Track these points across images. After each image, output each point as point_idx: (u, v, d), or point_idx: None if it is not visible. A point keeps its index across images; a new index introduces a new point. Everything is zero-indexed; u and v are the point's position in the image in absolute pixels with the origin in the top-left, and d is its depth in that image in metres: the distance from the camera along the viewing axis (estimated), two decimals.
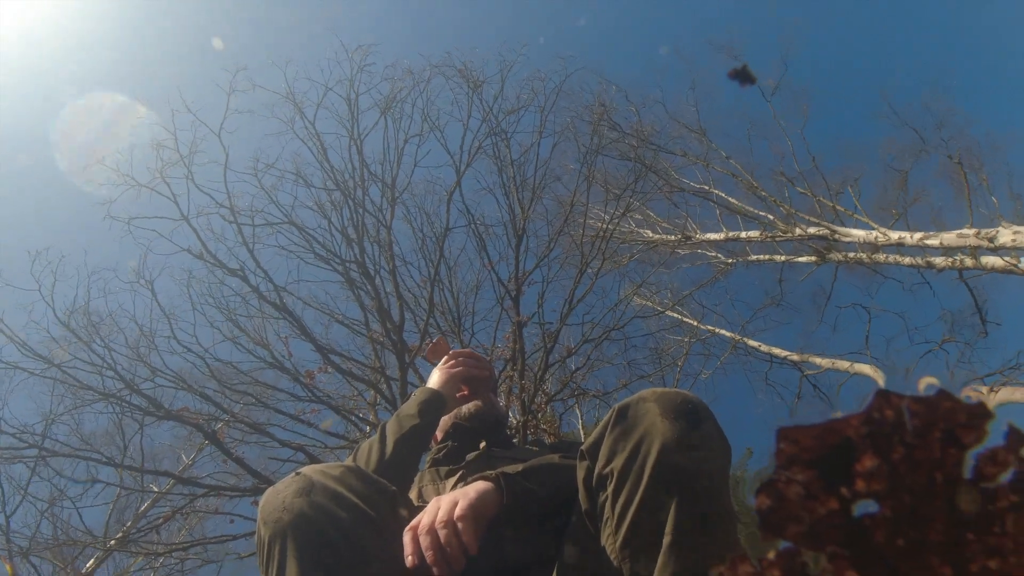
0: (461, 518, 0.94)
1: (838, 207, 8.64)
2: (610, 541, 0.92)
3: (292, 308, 5.49)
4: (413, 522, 0.97)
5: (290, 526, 0.90)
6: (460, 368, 1.54)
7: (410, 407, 1.41)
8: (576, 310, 5.90)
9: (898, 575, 0.27)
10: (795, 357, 9.10)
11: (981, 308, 7.08)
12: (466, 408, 1.58)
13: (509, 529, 1.04)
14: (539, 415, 5.38)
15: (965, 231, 6.61)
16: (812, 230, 8.52)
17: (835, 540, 0.28)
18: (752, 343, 9.19)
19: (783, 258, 9.43)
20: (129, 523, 5.99)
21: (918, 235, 7.26)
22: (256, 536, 0.96)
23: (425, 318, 5.61)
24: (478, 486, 1.03)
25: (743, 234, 9.47)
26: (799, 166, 8.88)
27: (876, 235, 7.79)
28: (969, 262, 6.69)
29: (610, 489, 0.94)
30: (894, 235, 7.62)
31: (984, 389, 6.09)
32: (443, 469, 1.41)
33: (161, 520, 5.22)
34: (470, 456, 1.40)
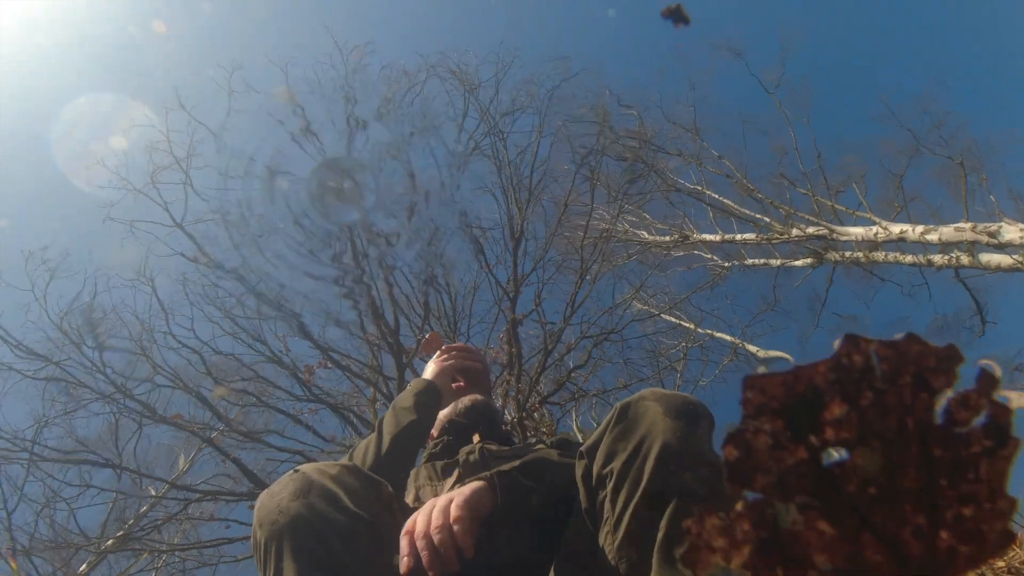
0: (456, 520, 0.93)
1: (837, 206, 8.65)
2: (608, 540, 0.91)
3: (290, 307, 5.48)
4: (408, 524, 0.96)
5: (286, 529, 0.89)
6: (454, 360, 1.55)
7: (406, 399, 1.41)
8: (578, 312, 5.90)
9: (870, 524, 0.27)
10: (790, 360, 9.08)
11: (981, 309, 7.08)
12: (462, 402, 1.58)
13: (505, 529, 1.03)
14: (535, 415, 5.37)
15: (962, 224, 6.61)
16: (811, 230, 8.52)
17: (805, 490, 0.27)
18: (751, 348, 9.17)
19: (778, 262, 9.41)
20: (131, 522, 5.95)
21: (920, 228, 7.21)
22: (252, 539, 0.96)
23: (420, 323, 5.61)
24: (472, 485, 1.03)
25: (738, 236, 9.47)
26: (802, 165, 8.90)
27: (876, 230, 7.77)
28: (966, 260, 6.67)
29: (609, 487, 0.93)
30: (896, 228, 7.57)
31: None
32: (439, 465, 1.40)
33: (161, 522, 5.19)
34: (465, 449, 1.40)
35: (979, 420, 0.26)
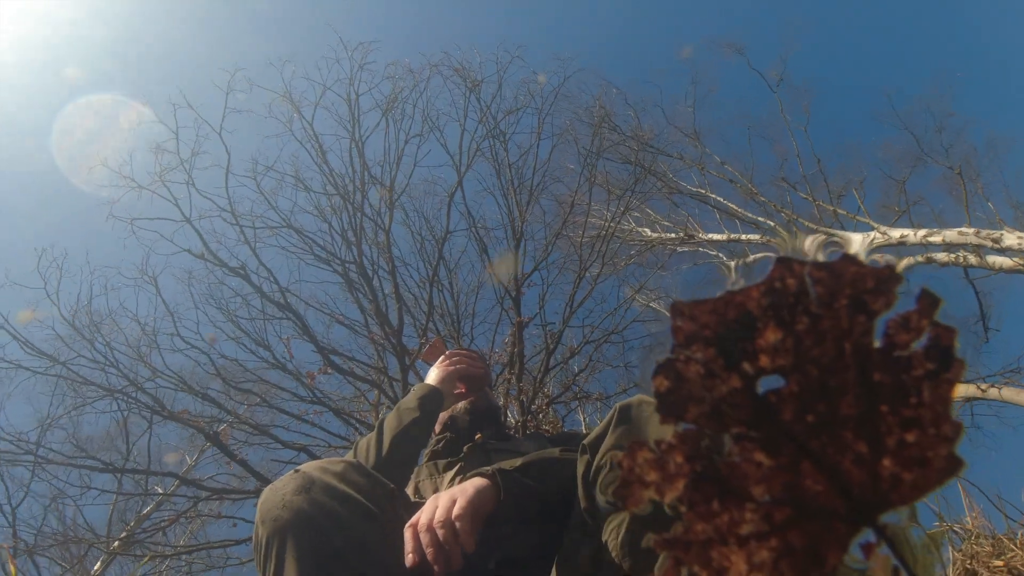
0: (459, 517, 0.93)
1: (839, 210, 8.60)
2: (612, 537, 0.89)
3: (294, 307, 5.49)
4: (412, 520, 0.96)
5: (289, 524, 0.89)
6: (457, 365, 1.58)
7: (410, 401, 1.42)
8: (576, 313, 5.88)
9: (809, 453, 0.26)
10: None
11: (985, 314, 7.02)
12: (461, 404, 1.61)
13: (508, 526, 1.03)
14: (540, 416, 5.34)
15: (965, 229, 6.61)
16: (821, 237, 8.47)
17: (740, 420, 0.26)
18: None
19: None
20: (132, 524, 5.97)
21: (922, 232, 7.22)
22: (254, 535, 0.95)
23: (424, 321, 5.60)
24: (476, 483, 1.02)
25: (743, 236, 9.43)
26: (802, 169, 8.87)
27: (875, 236, 7.73)
28: (973, 259, 6.63)
29: None
30: (895, 233, 7.56)
31: (985, 387, 6.01)
32: (441, 462, 1.40)
33: (166, 523, 5.20)
34: (467, 447, 1.40)
35: (921, 342, 0.25)
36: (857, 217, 8.39)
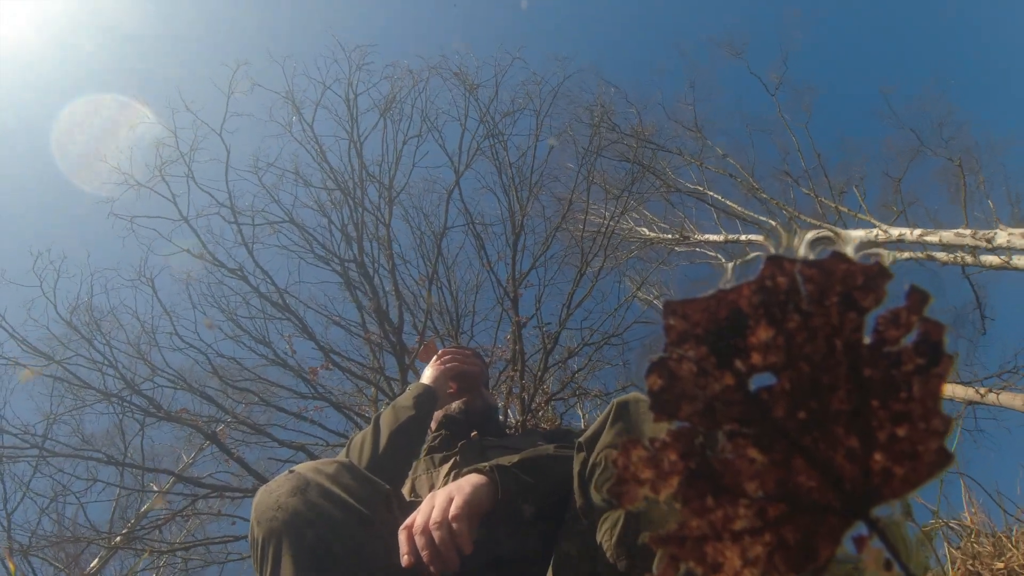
0: (456, 518, 0.92)
1: (841, 207, 8.62)
2: (606, 537, 0.89)
3: (293, 308, 5.50)
4: (408, 521, 0.95)
5: (284, 525, 0.89)
6: (450, 364, 1.59)
7: (406, 399, 1.43)
8: (576, 313, 5.89)
9: (801, 449, 0.26)
10: None
11: (981, 304, 7.06)
12: (455, 404, 1.61)
13: (504, 526, 1.03)
14: (539, 414, 5.35)
15: (962, 231, 6.67)
16: (812, 234, 8.49)
17: (733, 417, 0.26)
18: None
19: None
20: (132, 521, 5.97)
21: (917, 231, 7.33)
22: (249, 536, 0.94)
23: (424, 319, 5.61)
24: (472, 479, 1.01)
25: (743, 237, 9.42)
26: (804, 163, 8.88)
27: (877, 232, 7.78)
28: (969, 259, 6.68)
29: None
30: (895, 231, 7.64)
31: (984, 391, 6.04)
32: (437, 456, 1.40)
33: (163, 520, 5.21)
34: (462, 444, 1.40)
35: (910, 338, 0.25)
36: (859, 215, 8.40)
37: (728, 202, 9.46)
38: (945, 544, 1.90)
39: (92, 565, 5.43)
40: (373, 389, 5.66)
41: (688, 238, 9.44)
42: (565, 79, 6.44)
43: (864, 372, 0.25)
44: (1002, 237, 6.29)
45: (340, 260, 5.83)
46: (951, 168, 7.53)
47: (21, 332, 4.82)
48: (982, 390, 6.02)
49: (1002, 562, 1.73)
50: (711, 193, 9.46)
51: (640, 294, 7.25)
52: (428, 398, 1.45)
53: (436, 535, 0.90)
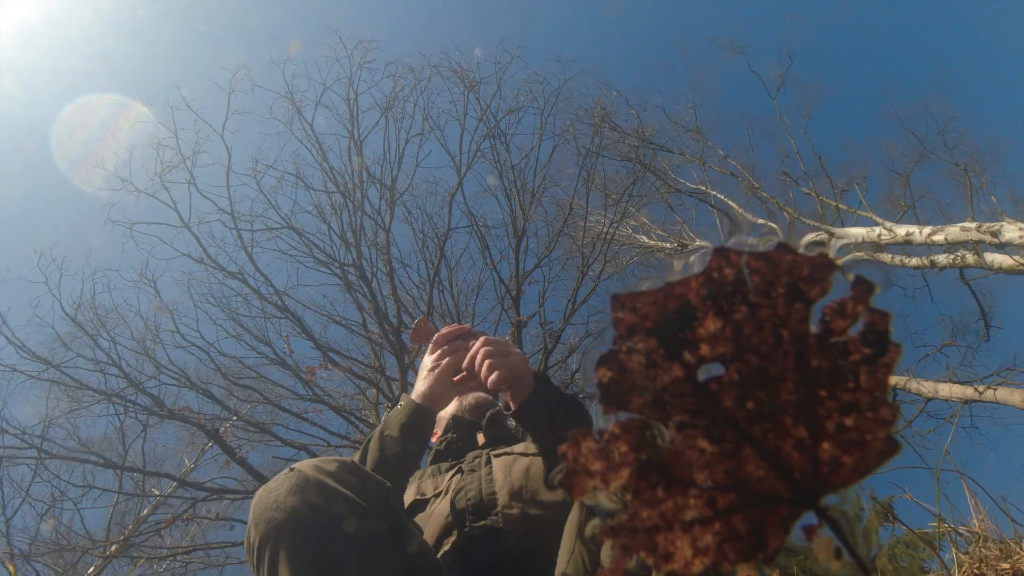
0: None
1: (841, 205, 8.58)
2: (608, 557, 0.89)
3: (292, 309, 5.51)
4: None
5: (283, 525, 0.87)
6: (448, 363, 1.34)
7: (393, 425, 1.26)
8: (580, 312, 5.89)
9: (750, 439, 0.26)
10: None
11: (986, 313, 7.02)
12: (467, 399, 1.55)
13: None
14: None
15: (967, 224, 6.61)
16: (810, 236, 8.45)
17: (682, 408, 0.26)
18: None
19: None
20: (130, 527, 5.98)
21: (927, 229, 7.17)
22: (246, 539, 0.93)
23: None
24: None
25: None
26: (804, 165, 8.87)
27: (880, 232, 7.71)
28: (971, 259, 6.62)
29: None
30: (901, 230, 7.52)
31: (982, 388, 6.01)
32: (444, 464, 1.39)
33: (163, 524, 5.21)
34: (472, 454, 1.39)
35: (856, 328, 0.25)
36: (859, 212, 8.36)
37: (729, 202, 9.44)
38: (953, 549, 1.89)
39: (89, 572, 5.44)
40: (374, 390, 5.67)
41: (687, 246, 9.42)
42: (566, 81, 6.45)
43: (812, 362, 0.26)
44: (1010, 231, 6.20)
45: (340, 264, 5.85)
46: (956, 171, 7.53)
47: (26, 331, 4.85)
48: (980, 387, 5.98)
49: (1008, 564, 1.72)
50: (713, 192, 9.45)
51: None
52: (419, 426, 1.25)
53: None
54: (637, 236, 9.81)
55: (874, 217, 8.10)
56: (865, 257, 7.38)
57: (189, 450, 7.01)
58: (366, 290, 5.54)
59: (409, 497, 1.34)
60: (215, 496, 5.07)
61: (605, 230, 6.20)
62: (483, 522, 1.17)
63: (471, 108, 6.07)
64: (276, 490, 0.92)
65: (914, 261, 7.77)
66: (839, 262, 0.25)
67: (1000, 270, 6.46)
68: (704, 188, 9.55)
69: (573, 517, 1.01)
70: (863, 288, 0.25)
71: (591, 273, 6.10)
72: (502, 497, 1.21)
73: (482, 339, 1.26)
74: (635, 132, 8.70)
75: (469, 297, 6.58)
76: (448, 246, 6.13)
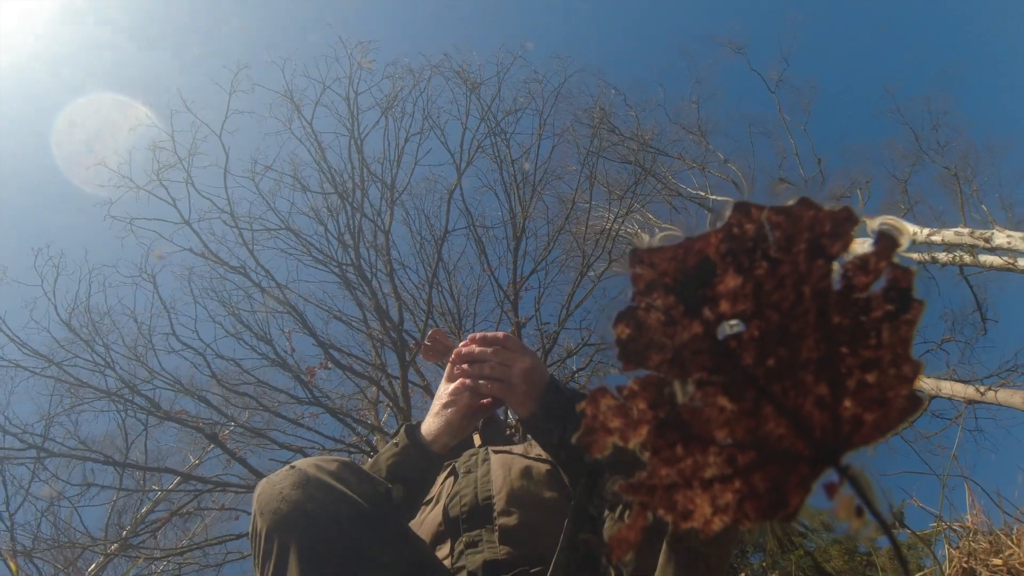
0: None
1: None
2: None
3: (294, 304, 5.50)
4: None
5: (289, 518, 0.87)
6: (467, 396, 1.10)
7: (381, 462, 1.13)
8: (576, 314, 5.90)
9: (770, 397, 0.26)
10: None
11: (981, 305, 7.06)
12: None
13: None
14: None
15: (960, 229, 6.70)
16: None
17: (701, 366, 0.26)
18: None
19: None
20: (129, 527, 5.96)
21: (926, 231, 7.25)
22: (251, 527, 0.93)
23: (424, 319, 5.61)
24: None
25: None
26: (803, 172, 8.90)
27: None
28: (968, 258, 6.69)
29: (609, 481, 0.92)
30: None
31: (983, 389, 6.03)
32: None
33: (159, 523, 5.20)
34: (469, 451, 1.38)
35: (879, 284, 0.25)
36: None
37: None
38: (945, 544, 1.89)
39: (91, 569, 5.42)
40: (374, 389, 5.66)
41: None
42: (566, 79, 6.46)
43: (833, 319, 0.25)
44: (999, 238, 6.32)
45: (338, 264, 5.84)
46: (948, 178, 7.61)
47: (23, 333, 4.84)
48: (982, 388, 6.00)
49: (1000, 559, 1.71)
50: (713, 198, 9.47)
51: None
52: (419, 458, 1.11)
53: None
54: (643, 235, 9.79)
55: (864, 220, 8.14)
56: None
57: (193, 447, 7.01)
58: (366, 288, 5.54)
59: None
60: (219, 488, 5.06)
61: (609, 225, 6.20)
62: (477, 531, 1.13)
63: (472, 108, 6.09)
64: (280, 483, 0.92)
65: (916, 256, 7.81)
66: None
67: (992, 268, 6.55)
68: (705, 194, 9.57)
69: (568, 524, 1.01)
70: (886, 244, 0.25)
71: (591, 273, 6.11)
72: (499, 501, 1.18)
73: (491, 351, 1.08)
74: (634, 135, 8.72)
75: (469, 299, 6.59)
76: (446, 249, 6.14)
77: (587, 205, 6.59)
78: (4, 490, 4.64)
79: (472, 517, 1.16)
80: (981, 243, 6.44)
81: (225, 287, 5.65)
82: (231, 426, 5.38)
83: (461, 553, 1.11)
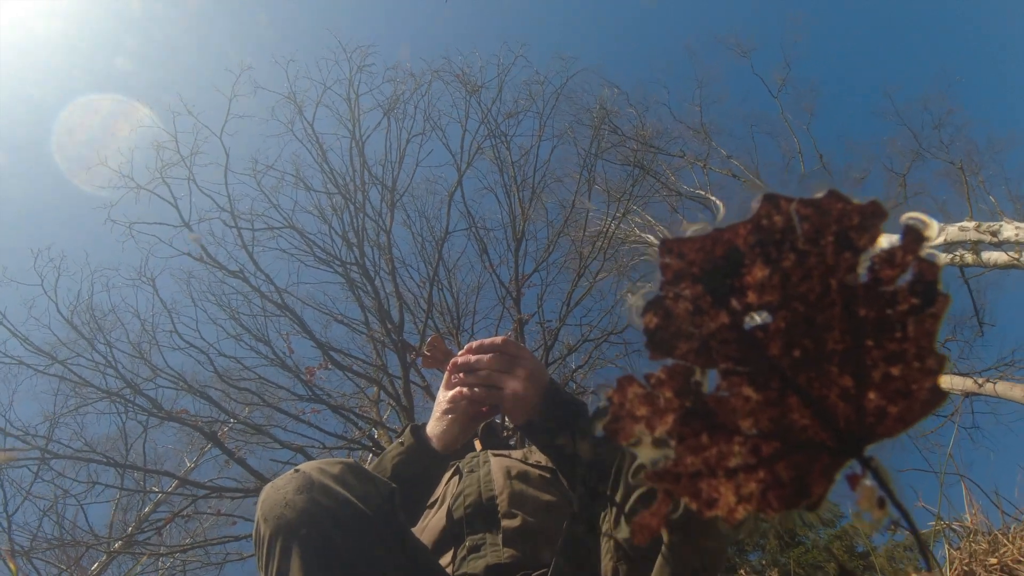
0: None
1: None
2: (607, 559, 0.89)
3: (292, 307, 5.50)
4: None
5: (293, 522, 0.88)
6: (466, 407, 1.12)
7: (385, 463, 1.14)
8: (576, 312, 5.91)
9: (795, 388, 0.26)
10: None
11: (979, 311, 7.08)
12: None
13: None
14: None
15: (966, 224, 6.67)
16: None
17: (728, 356, 0.26)
18: None
19: None
20: (133, 525, 5.97)
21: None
22: (255, 532, 0.93)
23: (424, 319, 5.61)
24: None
25: None
26: (804, 168, 8.91)
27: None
28: (970, 258, 6.68)
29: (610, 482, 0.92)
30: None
31: (982, 381, 6.03)
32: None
33: (163, 523, 5.20)
34: (470, 454, 1.38)
35: (905, 278, 0.25)
36: None
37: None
38: (946, 545, 1.89)
39: (93, 568, 5.42)
40: (375, 388, 5.66)
41: None
42: (568, 79, 6.47)
43: (859, 312, 0.26)
44: (1008, 230, 6.27)
45: (342, 263, 5.85)
46: (952, 170, 7.60)
47: (25, 329, 4.84)
48: (980, 380, 6.01)
49: (995, 557, 1.72)
50: (713, 198, 9.47)
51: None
52: (420, 457, 1.11)
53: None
54: (643, 235, 9.81)
55: None
56: None
57: (189, 450, 7.01)
58: (369, 287, 5.54)
59: None
60: (215, 494, 5.05)
61: (606, 227, 6.21)
62: (480, 534, 1.13)
63: (472, 110, 6.10)
64: (283, 488, 0.92)
65: None
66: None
67: (996, 266, 6.55)
68: (705, 193, 9.58)
69: (567, 527, 1.01)
70: (913, 237, 0.25)
71: (588, 273, 6.12)
72: (502, 503, 1.18)
73: (487, 359, 1.08)
74: (636, 135, 8.73)
75: (469, 297, 6.59)
76: (446, 248, 6.15)
77: (587, 206, 6.60)
78: (3, 492, 4.64)
79: (476, 517, 1.16)
80: (987, 237, 6.40)
81: (224, 291, 5.66)
82: (231, 422, 5.38)
83: (464, 559, 1.11)
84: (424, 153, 6.09)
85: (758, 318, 0.26)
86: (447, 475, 1.33)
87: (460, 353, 1.12)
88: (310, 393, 5.44)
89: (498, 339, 1.10)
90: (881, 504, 0.26)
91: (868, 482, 0.26)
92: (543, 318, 5.78)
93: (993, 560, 1.72)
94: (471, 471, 1.28)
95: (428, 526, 1.22)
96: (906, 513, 0.26)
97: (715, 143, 9.55)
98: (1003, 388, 5.86)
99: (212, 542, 5.30)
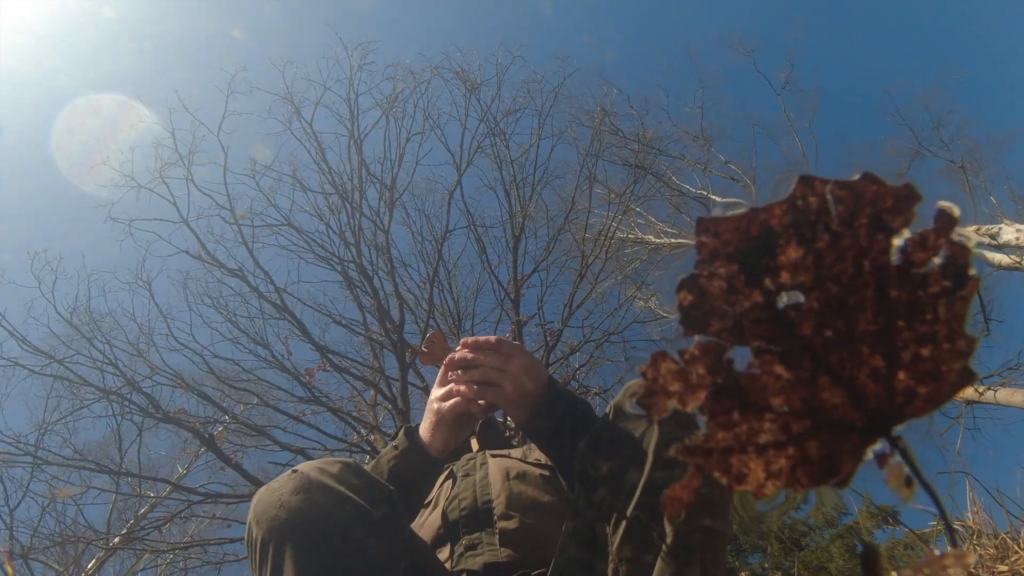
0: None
1: None
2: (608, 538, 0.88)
3: (291, 308, 5.50)
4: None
5: (287, 524, 0.86)
6: (458, 403, 1.11)
7: (381, 465, 1.14)
8: (577, 313, 5.92)
9: (827, 367, 0.27)
10: None
11: (985, 307, 7.07)
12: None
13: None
14: None
15: (968, 229, 6.69)
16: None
17: (760, 334, 0.27)
18: None
19: None
20: (131, 523, 5.94)
21: None
22: (247, 535, 0.91)
23: (425, 319, 5.61)
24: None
25: None
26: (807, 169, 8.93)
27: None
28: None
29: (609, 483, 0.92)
30: None
31: (982, 389, 6.04)
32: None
33: (163, 521, 5.17)
34: (467, 456, 1.37)
35: (937, 260, 0.26)
36: None
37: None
38: (948, 547, 1.87)
39: (90, 565, 5.40)
40: (372, 391, 5.65)
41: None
42: (566, 78, 6.49)
43: (891, 293, 0.26)
44: (1008, 233, 6.27)
45: (340, 260, 5.84)
46: (953, 169, 7.62)
47: (23, 330, 4.83)
48: (980, 388, 6.01)
49: (1006, 565, 1.70)
50: (715, 198, 9.50)
51: (639, 296, 7.27)
52: (418, 461, 1.11)
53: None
54: (644, 236, 9.83)
55: None
56: None
57: (182, 456, 6.98)
58: (367, 287, 5.54)
59: None
60: (209, 500, 5.02)
61: (607, 226, 6.22)
62: (476, 534, 1.12)
63: (472, 108, 6.11)
64: (279, 489, 0.90)
65: None
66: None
67: (1000, 267, 6.54)
68: (706, 193, 9.60)
69: (567, 527, 1.01)
70: (945, 221, 0.26)
71: (590, 273, 6.13)
72: (499, 505, 1.16)
73: (483, 356, 1.07)
74: (636, 136, 8.75)
75: (469, 298, 6.60)
76: (446, 248, 6.15)
77: (587, 205, 6.61)
78: (3, 488, 4.63)
79: (471, 520, 1.15)
80: (987, 240, 6.41)
81: (221, 292, 5.65)
82: (227, 422, 5.36)
83: (461, 556, 1.10)
84: (424, 152, 6.10)
85: (791, 298, 0.27)
86: (440, 478, 1.31)
87: (456, 350, 1.10)
88: (309, 395, 5.43)
89: (493, 337, 1.09)
90: (908, 483, 0.27)
91: (896, 461, 0.26)
92: (543, 319, 5.80)
93: (1003, 567, 1.70)
94: (466, 475, 1.26)
95: (424, 525, 1.21)
96: (933, 492, 0.27)
97: (714, 149, 9.58)
98: (1004, 395, 5.86)
99: (210, 542, 5.28)
